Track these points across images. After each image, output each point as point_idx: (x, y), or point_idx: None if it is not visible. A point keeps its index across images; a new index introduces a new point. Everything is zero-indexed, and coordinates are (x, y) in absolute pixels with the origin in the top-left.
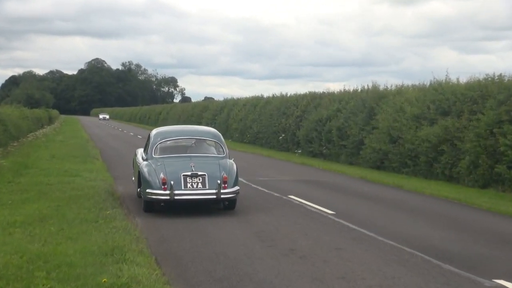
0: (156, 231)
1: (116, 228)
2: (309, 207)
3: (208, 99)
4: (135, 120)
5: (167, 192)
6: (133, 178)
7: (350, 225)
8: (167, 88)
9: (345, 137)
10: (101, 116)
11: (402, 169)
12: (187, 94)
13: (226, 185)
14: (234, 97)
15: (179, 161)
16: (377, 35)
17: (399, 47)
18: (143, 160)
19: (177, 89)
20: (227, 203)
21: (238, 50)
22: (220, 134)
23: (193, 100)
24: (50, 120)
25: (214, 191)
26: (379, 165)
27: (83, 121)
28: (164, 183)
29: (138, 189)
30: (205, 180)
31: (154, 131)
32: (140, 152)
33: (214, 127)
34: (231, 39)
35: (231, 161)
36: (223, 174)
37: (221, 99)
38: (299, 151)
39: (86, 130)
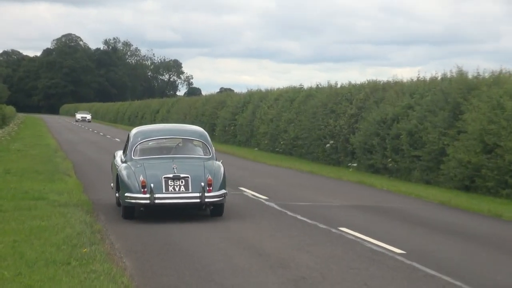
0: (154, 277)
1: (96, 273)
2: (368, 245)
3: (225, 91)
4: (122, 120)
5: (147, 195)
6: (112, 184)
7: (428, 271)
8: (167, 76)
9: (420, 145)
10: (79, 116)
11: (500, 190)
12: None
13: (211, 188)
14: (263, 89)
15: (161, 163)
16: (466, 1)
17: (498, 18)
18: (122, 162)
19: (182, 77)
20: (212, 207)
21: (269, 22)
22: (206, 133)
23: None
24: (3, 121)
25: (197, 194)
26: (468, 185)
27: (51, 122)
28: (143, 186)
29: (117, 194)
30: (188, 183)
31: (134, 130)
32: (119, 154)
33: (234, 131)
34: (259, 6)
35: (218, 162)
36: (208, 176)
37: (244, 91)
38: (354, 165)
39: (54, 135)
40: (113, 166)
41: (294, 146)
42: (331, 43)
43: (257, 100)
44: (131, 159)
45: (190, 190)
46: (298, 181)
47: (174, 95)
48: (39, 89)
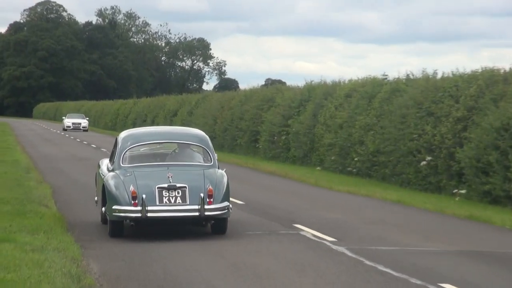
0: None
1: None
2: None
3: (273, 84)
4: (124, 126)
5: (138, 208)
6: (96, 198)
7: None
8: (189, 62)
9: None
10: (69, 122)
11: None
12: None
13: (211, 199)
14: (328, 80)
15: (154, 171)
16: None
17: None
18: (109, 171)
19: (211, 64)
20: (213, 222)
21: None
22: (207, 137)
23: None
24: None
25: (196, 207)
26: None
27: (21, 130)
28: (134, 198)
29: (103, 209)
30: (185, 194)
31: (122, 134)
32: (105, 163)
33: (287, 142)
34: None
35: (221, 171)
36: (208, 186)
37: (301, 83)
38: (462, 192)
39: (26, 148)
40: (98, 176)
41: (374, 165)
42: (427, 15)
43: (320, 97)
44: (120, 167)
45: (187, 202)
46: (380, 216)
47: (199, 89)
48: (3, 81)
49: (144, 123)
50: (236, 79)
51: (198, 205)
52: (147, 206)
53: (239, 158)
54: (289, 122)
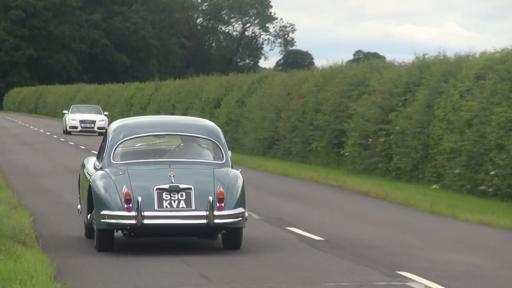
0: None
1: None
2: None
3: (366, 59)
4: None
5: (133, 213)
6: (79, 206)
7: None
8: (239, 26)
9: None
10: (74, 121)
11: None
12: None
13: (222, 204)
14: (449, 54)
15: (152, 169)
16: None
17: None
18: (97, 169)
19: (271, 29)
20: (224, 232)
21: None
22: (219, 129)
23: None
24: None
25: (203, 213)
26: None
27: None
28: (128, 201)
29: (89, 216)
30: (190, 197)
31: (114, 125)
32: (91, 161)
33: (386, 146)
34: None
35: (235, 171)
36: (219, 187)
37: (407, 58)
38: None
39: None
40: (83, 178)
41: None
42: None
43: (437, 78)
44: (110, 165)
45: (193, 207)
46: None
47: (254, 67)
48: None
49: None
50: (310, 52)
51: (206, 210)
52: (143, 212)
53: (315, 170)
54: (391, 116)
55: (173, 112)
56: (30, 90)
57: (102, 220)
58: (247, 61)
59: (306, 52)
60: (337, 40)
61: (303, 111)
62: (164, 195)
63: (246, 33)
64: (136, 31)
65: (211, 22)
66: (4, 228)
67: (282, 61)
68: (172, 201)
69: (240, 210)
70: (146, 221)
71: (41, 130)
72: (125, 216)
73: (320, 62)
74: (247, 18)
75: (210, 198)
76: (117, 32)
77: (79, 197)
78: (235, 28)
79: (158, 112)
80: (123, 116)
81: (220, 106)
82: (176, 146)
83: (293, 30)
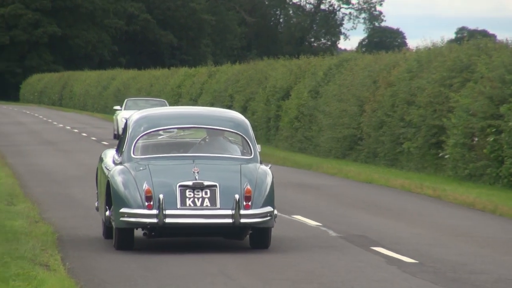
0: None
1: None
2: None
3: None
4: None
5: (154, 212)
6: (97, 203)
7: None
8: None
9: None
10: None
11: None
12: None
13: (249, 203)
14: None
15: (175, 165)
16: None
17: None
18: (116, 164)
19: (353, 2)
20: (251, 232)
21: None
22: (248, 123)
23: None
24: None
25: (229, 212)
26: None
27: None
28: (148, 198)
29: (107, 213)
30: (215, 194)
31: (135, 116)
32: (110, 154)
33: (496, 146)
34: None
35: (264, 167)
36: (246, 185)
37: None
38: None
39: (8, 158)
40: (100, 172)
41: None
42: None
43: None
44: (130, 159)
45: (218, 206)
46: None
47: (332, 48)
48: None
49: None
50: (401, 29)
51: (232, 209)
52: (165, 210)
53: (407, 177)
54: (502, 109)
55: (231, 105)
56: (53, 77)
57: (121, 219)
58: (323, 41)
59: (397, 29)
60: (435, 15)
61: (392, 103)
62: (187, 193)
63: (322, 6)
64: (185, 4)
65: None
66: (22, 247)
67: (366, 40)
68: (196, 199)
69: (269, 209)
70: (168, 220)
71: (67, 127)
72: (145, 215)
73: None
74: None
75: (237, 196)
76: (161, 5)
77: (97, 193)
78: (308, 0)
79: (212, 104)
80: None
81: (290, 97)
82: (202, 139)
83: (381, 2)
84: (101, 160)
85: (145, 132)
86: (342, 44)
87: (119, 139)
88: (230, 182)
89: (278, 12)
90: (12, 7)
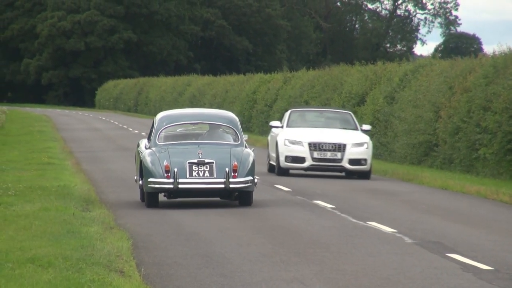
0: None
1: None
2: None
3: None
4: (271, 117)
5: (171, 180)
6: (136, 177)
7: None
8: (389, 3)
9: None
10: (299, 145)
11: None
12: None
13: (236, 174)
14: None
15: (186, 148)
16: None
17: None
18: (146, 148)
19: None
20: (237, 194)
21: None
22: (237, 119)
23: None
24: None
25: (222, 180)
26: None
27: (73, 129)
28: (167, 171)
29: (140, 182)
30: (212, 168)
31: (159, 115)
32: (144, 142)
33: None
34: None
35: (248, 149)
36: (234, 162)
37: None
38: None
39: (83, 163)
40: (137, 154)
41: None
42: None
43: None
44: (156, 145)
45: (214, 176)
46: None
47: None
48: (39, 38)
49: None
50: (477, 35)
51: (224, 178)
52: (178, 179)
53: (483, 183)
54: None
55: None
56: (128, 83)
57: (149, 185)
58: (398, 46)
59: (473, 35)
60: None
61: (468, 109)
62: (193, 167)
63: (398, 11)
64: (261, 10)
65: None
66: (97, 253)
67: (442, 46)
68: (200, 171)
69: (250, 178)
70: (180, 186)
71: (143, 133)
72: (165, 182)
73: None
74: None
75: (227, 169)
76: (237, 11)
77: (136, 169)
78: (384, 5)
79: (287, 109)
80: (243, 115)
81: (365, 102)
82: (206, 131)
83: (457, 7)
84: (138, 146)
85: (166, 126)
86: (418, 49)
87: (149, 132)
88: (223, 160)
89: (353, 18)
90: (87, 14)
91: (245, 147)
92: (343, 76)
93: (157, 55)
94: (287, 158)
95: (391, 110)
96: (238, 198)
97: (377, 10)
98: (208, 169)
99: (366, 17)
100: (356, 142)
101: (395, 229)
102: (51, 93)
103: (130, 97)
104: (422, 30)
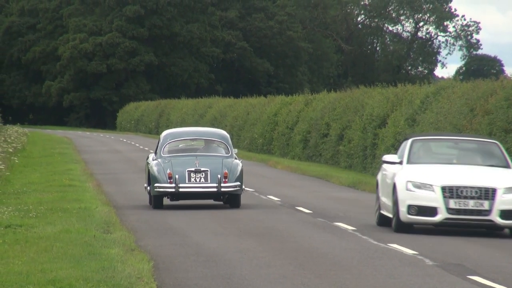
0: None
1: None
2: None
3: None
4: (291, 143)
5: (173, 185)
6: (145, 185)
7: None
8: (410, 25)
9: None
10: (429, 190)
11: None
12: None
13: (226, 180)
14: None
15: (186, 159)
16: None
17: None
18: (153, 160)
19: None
20: (227, 196)
21: None
22: (228, 136)
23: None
24: None
25: (215, 185)
26: None
27: (94, 151)
28: (170, 178)
29: (148, 188)
30: (207, 175)
31: (164, 133)
32: (151, 155)
33: None
34: None
35: (237, 160)
36: (225, 170)
37: None
38: None
39: (104, 185)
40: (146, 166)
41: None
42: None
43: None
44: (161, 157)
45: (209, 181)
46: None
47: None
48: (61, 60)
49: (326, 138)
50: (498, 57)
51: (217, 183)
52: (179, 184)
53: None
54: None
55: (327, 133)
56: (149, 105)
57: (155, 190)
58: (420, 69)
59: (494, 57)
60: None
61: (489, 131)
62: (192, 174)
63: (419, 33)
64: (282, 32)
65: (375, 20)
66: (118, 275)
67: (463, 68)
68: (197, 178)
69: (238, 183)
70: (181, 190)
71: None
72: (168, 187)
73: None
74: (420, 15)
75: (219, 176)
76: (258, 33)
77: (145, 178)
78: (405, 28)
79: (308, 132)
80: (264, 137)
81: (386, 124)
82: (203, 146)
83: (478, 30)
84: (147, 158)
85: (169, 141)
86: (439, 72)
87: (156, 146)
88: (216, 169)
89: (375, 40)
90: (109, 36)
91: (235, 158)
92: (364, 98)
93: (178, 77)
94: (411, 209)
95: (412, 132)
96: (228, 201)
97: (398, 32)
98: (203, 176)
99: (387, 39)
100: (510, 186)
101: (416, 251)
102: (72, 115)
103: (151, 119)
104: (443, 52)
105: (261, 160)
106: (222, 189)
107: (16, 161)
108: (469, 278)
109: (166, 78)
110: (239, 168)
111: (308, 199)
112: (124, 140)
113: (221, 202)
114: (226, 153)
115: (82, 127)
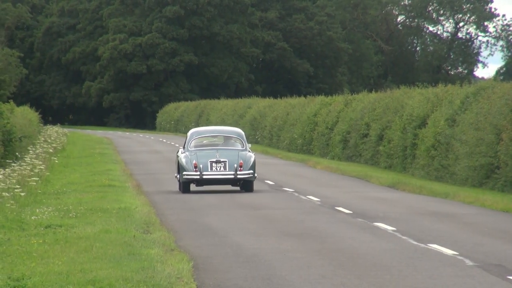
0: None
1: None
2: None
3: None
4: (330, 144)
5: (198, 173)
6: (176, 175)
7: None
8: (450, 25)
9: None
10: None
11: None
12: None
13: (241, 168)
14: None
15: (208, 152)
16: None
17: None
18: (182, 153)
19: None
20: (242, 182)
21: None
22: (243, 133)
23: None
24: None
25: (232, 172)
26: None
27: (134, 151)
28: (195, 167)
29: (177, 176)
30: (226, 165)
31: (191, 131)
32: (180, 149)
33: None
34: None
35: (250, 153)
36: (240, 161)
37: None
38: None
39: (144, 186)
40: (176, 158)
41: None
42: None
43: None
44: (188, 150)
45: (227, 170)
46: None
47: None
48: (100, 61)
49: (365, 139)
50: None
51: (234, 171)
52: (203, 172)
53: None
54: None
55: (366, 134)
56: (189, 106)
57: (183, 177)
58: (460, 69)
59: None
60: None
61: None
62: (213, 164)
63: (459, 34)
64: (322, 32)
65: (416, 20)
66: (158, 275)
67: (504, 69)
68: (217, 167)
69: (251, 171)
70: (204, 177)
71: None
72: (194, 175)
73: None
74: (461, 15)
75: (235, 165)
76: (298, 34)
77: (176, 168)
78: (445, 28)
79: (348, 133)
80: (304, 138)
81: (426, 125)
82: (222, 142)
83: None
84: (177, 152)
85: (195, 138)
86: (480, 72)
87: (184, 142)
88: (233, 160)
89: (414, 41)
90: (149, 37)
91: (248, 151)
92: (404, 99)
93: (218, 77)
94: None
95: (452, 133)
96: (243, 187)
97: (438, 32)
98: (223, 165)
99: (427, 40)
100: None
101: (456, 251)
102: (112, 115)
103: (191, 119)
104: (484, 52)
105: (300, 160)
106: (238, 176)
107: (56, 161)
108: (509, 279)
109: (205, 78)
110: (252, 159)
111: (348, 200)
112: (164, 141)
113: (238, 188)
114: (242, 147)
115: (122, 128)
